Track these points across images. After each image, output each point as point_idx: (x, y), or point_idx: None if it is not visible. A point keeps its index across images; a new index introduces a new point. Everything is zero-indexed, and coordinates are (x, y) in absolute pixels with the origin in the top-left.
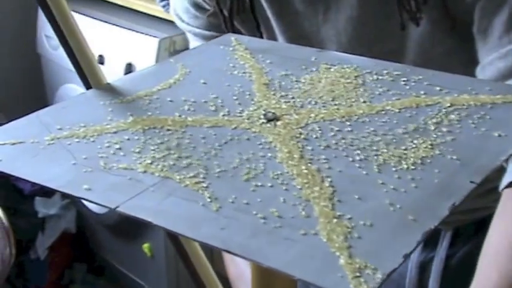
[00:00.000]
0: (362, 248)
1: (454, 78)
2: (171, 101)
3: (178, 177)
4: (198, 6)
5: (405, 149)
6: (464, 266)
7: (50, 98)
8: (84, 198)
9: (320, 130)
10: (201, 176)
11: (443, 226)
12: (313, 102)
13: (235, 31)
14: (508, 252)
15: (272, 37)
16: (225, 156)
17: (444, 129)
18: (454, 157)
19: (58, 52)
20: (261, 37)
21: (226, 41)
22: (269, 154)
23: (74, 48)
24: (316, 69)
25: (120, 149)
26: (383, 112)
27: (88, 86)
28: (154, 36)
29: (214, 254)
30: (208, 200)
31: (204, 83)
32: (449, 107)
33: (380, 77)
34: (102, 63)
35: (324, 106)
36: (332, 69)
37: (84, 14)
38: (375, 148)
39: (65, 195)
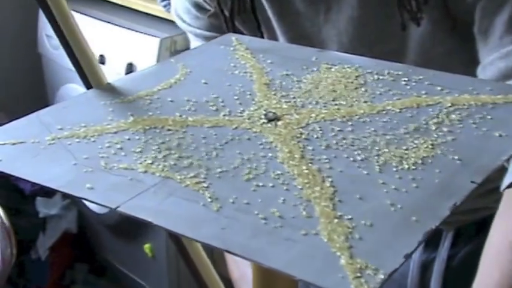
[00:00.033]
0: (363, 248)
1: (455, 78)
2: (171, 101)
3: (179, 177)
4: (199, 7)
5: (406, 149)
6: (466, 266)
7: (51, 97)
8: (84, 198)
9: (321, 130)
10: (202, 176)
11: (444, 226)
12: (314, 102)
13: (236, 31)
14: (509, 252)
15: (273, 37)
16: (226, 156)
17: (445, 129)
18: (455, 157)
19: (59, 52)
20: (262, 37)
21: (227, 40)
22: (270, 154)
23: (74, 48)
24: (317, 69)
25: (120, 149)
26: (384, 112)
27: (88, 86)
28: (155, 36)
29: (215, 255)
30: (209, 200)
31: (205, 83)
32: (450, 106)
33: (381, 77)
34: (103, 63)
35: (324, 106)
36: (333, 69)
37: (85, 14)
38: (375, 148)
39: (66, 195)
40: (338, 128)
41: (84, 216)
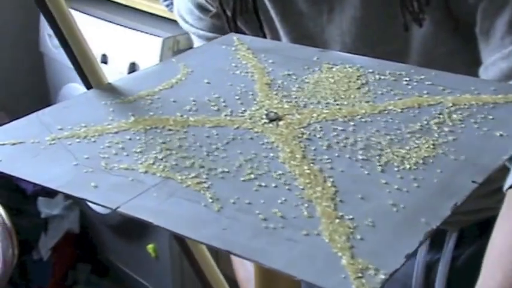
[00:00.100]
0: (364, 249)
1: (456, 78)
2: (173, 101)
3: (179, 177)
4: (202, 8)
5: (407, 149)
6: (470, 267)
7: (53, 97)
8: (85, 199)
9: (322, 130)
10: (203, 176)
11: (448, 227)
12: (315, 102)
13: (239, 32)
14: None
15: (276, 38)
16: (227, 157)
17: (446, 129)
18: (456, 157)
19: (61, 51)
20: (264, 37)
21: (228, 40)
22: (271, 154)
23: (73, 48)
24: (318, 69)
25: (121, 149)
26: (385, 112)
27: (88, 86)
28: (158, 36)
29: (219, 253)
30: (210, 200)
31: (206, 83)
32: (451, 106)
33: (382, 77)
34: (105, 62)
35: (326, 106)
36: (334, 69)
37: (87, 14)
38: (377, 148)
39: (67, 196)
40: (339, 128)
41: (87, 216)
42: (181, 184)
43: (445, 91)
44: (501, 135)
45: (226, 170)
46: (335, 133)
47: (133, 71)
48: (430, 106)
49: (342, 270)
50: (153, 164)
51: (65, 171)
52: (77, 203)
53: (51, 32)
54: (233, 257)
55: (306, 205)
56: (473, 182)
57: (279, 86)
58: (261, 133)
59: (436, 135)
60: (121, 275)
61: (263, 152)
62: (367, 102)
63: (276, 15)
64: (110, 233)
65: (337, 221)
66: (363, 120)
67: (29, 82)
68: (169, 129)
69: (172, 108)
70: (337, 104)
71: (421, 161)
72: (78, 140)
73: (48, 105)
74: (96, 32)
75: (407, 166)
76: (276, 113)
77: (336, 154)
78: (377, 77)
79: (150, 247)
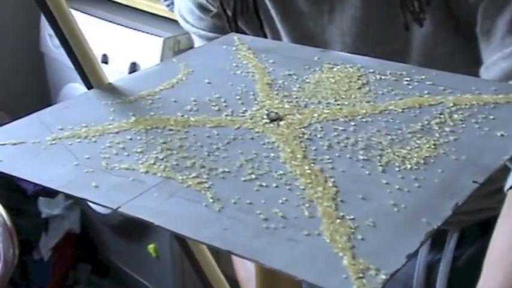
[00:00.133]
0: (365, 249)
1: (457, 78)
2: (173, 101)
3: (180, 177)
4: (202, 8)
5: (408, 149)
6: (471, 267)
7: (54, 97)
8: (85, 199)
9: (323, 130)
10: (204, 176)
11: (449, 227)
12: (316, 102)
13: (239, 32)
14: None
15: (277, 38)
16: (228, 157)
17: (447, 129)
18: (457, 157)
19: (62, 51)
20: (265, 37)
21: (229, 40)
22: (272, 154)
23: (73, 48)
24: (319, 69)
25: (122, 149)
26: (386, 112)
27: (89, 86)
28: (158, 36)
29: (220, 253)
30: (211, 200)
31: (207, 83)
32: (452, 106)
33: (383, 77)
34: (106, 62)
35: (327, 106)
36: (335, 69)
37: (88, 14)
38: (378, 148)
39: (67, 196)
40: (340, 128)
41: (87, 216)
42: (182, 184)
43: (446, 91)
44: (502, 135)
45: (227, 170)
46: (336, 133)
47: (134, 71)
48: (431, 106)
49: (343, 270)
50: (154, 164)
51: (65, 171)
52: (78, 203)
53: (51, 31)
54: (234, 257)
55: (307, 205)
56: (474, 182)
57: (279, 86)
58: (261, 133)
59: (437, 135)
60: (122, 275)
61: (264, 152)
62: (368, 102)
63: (276, 15)
64: (111, 233)
65: (338, 221)
66: (364, 120)
67: (29, 82)
68: (170, 129)
69: (173, 108)
70: (338, 104)
71: (422, 161)
72: (78, 140)
73: (49, 105)
74: (97, 32)
75: (408, 166)
76: (276, 113)
77: (337, 154)
78: (378, 77)
79: (150, 247)
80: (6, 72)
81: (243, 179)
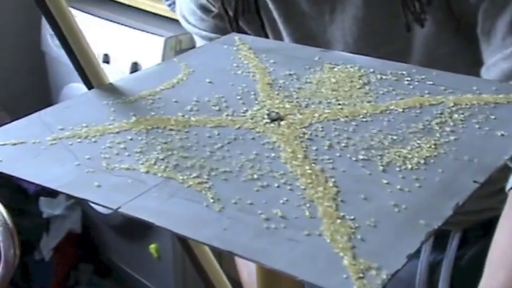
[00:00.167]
0: (366, 249)
1: (458, 78)
2: (174, 101)
3: (181, 177)
4: (204, 9)
5: (409, 149)
6: (474, 266)
7: (55, 96)
8: (85, 199)
9: (324, 130)
10: (204, 176)
11: (452, 227)
12: (317, 102)
13: (241, 32)
14: None
15: (279, 39)
16: (229, 157)
17: (448, 129)
18: (458, 157)
19: (63, 50)
20: (266, 37)
21: (230, 40)
22: (273, 154)
23: (73, 48)
24: (320, 69)
25: (122, 149)
26: (387, 112)
27: (89, 86)
28: (160, 35)
29: (221, 253)
30: (211, 200)
31: (208, 83)
32: (452, 106)
33: (384, 77)
34: (107, 62)
35: (327, 106)
36: (336, 69)
37: (90, 13)
38: (378, 148)
39: (68, 196)
40: (341, 128)
41: (89, 216)
42: (183, 184)
43: (447, 91)
44: (502, 135)
45: (227, 170)
46: (336, 133)
47: (136, 70)
48: (432, 106)
49: (344, 270)
50: (155, 164)
51: (66, 171)
52: (79, 203)
53: None
54: (237, 259)
55: (307, 205)
56: (474, 181)
57: (280, 86)
58: (262, 133)
59: (438, 135)
60: (123, 275)
61: (265, 152)
62: (369, 102)
63: (279, 16)
64: (112, 233)
65: (339, 221)
66: (365, 120)
67: (30, 82)
68: (171, 129)
69: (174, 108)
70: (339, 104)
71: (422, 161)
72: (79, 140)
73: (50, 104)
74: (98, 32)
75: (409, 166)
76: (277, 113)
77: (338, 154)
78: (378, 76)
79: (152, 247)
80: (6, 72)
81: (244, 179)
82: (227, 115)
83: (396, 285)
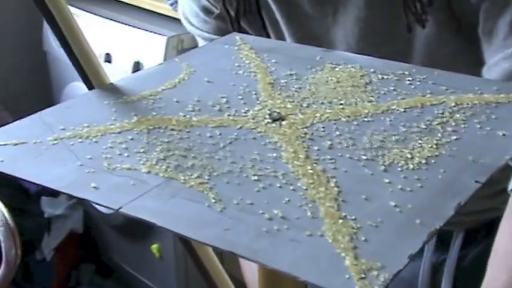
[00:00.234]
0: (367, 249)
1: (459, 77)
2: (175, 101)
3: (182, 177)
4: (207, 11)
5: (410, 149)
6: (476, 267)
7: (57, 95)
8: (86, 200)
9: (325, 130)
10: (206, 176)
11: (454, 227)
12: (318, 102)
13: (242, 32)
14: None
15: (281, 38)
16: (230, 157)
17: (449, 129)
18: (459, 157)
19: None
20: (268, 37)
21: (231, 40)
22: (274, 154)
23: (74, 48)
24: (321, 69)
25: (124, 149)
26: (388, 112)
27: (90, 87)
28: (162, 35)
29: (223, 253)
30: (213, 200)
31: (209, 83)
32: (454, 106)
33: (385, 77)
34: (109, 61)
35: (329, 106)
36: (337, 69)
37: (92, 13)
38: (380, 148)
39: (70, 196)
40: (343, 128)
41: (90, 216)
42: (184, 184)
43: (448, 91)
44: (504, 134)
45: (229, 170)
46: (338, 133)
47: (138, 70)
48: (433, 106)
49: (346, 270)
50: (156, 164)
51: (67, 171)
52: (81, 203)
53: None
54: (240, 259)
55: (309, 205)
56: (476, 181)
57: (281, 86)
58: (264, 133)
59: (439, 135)
60: (125, 275)
61: (266, 152)
62: (370, 102)
63: (281, 17)
64: (114, 233)
65: (341, 221)
66: (366, 120)
67: (32, 81)
68: (172, 129)
69: (175, 108)
70: (341, 104)
71: (424, 161)
72: (80, 140)
73: (52, 104)
74: (100, 31)
75: (411, 166)
76: (279, 112)
77: (339, 154)
78: (380, 76)
79: (154, 247)
80: (8, 71)
81: (245, 179)
82: (228, 115)
83: (398, 286)
